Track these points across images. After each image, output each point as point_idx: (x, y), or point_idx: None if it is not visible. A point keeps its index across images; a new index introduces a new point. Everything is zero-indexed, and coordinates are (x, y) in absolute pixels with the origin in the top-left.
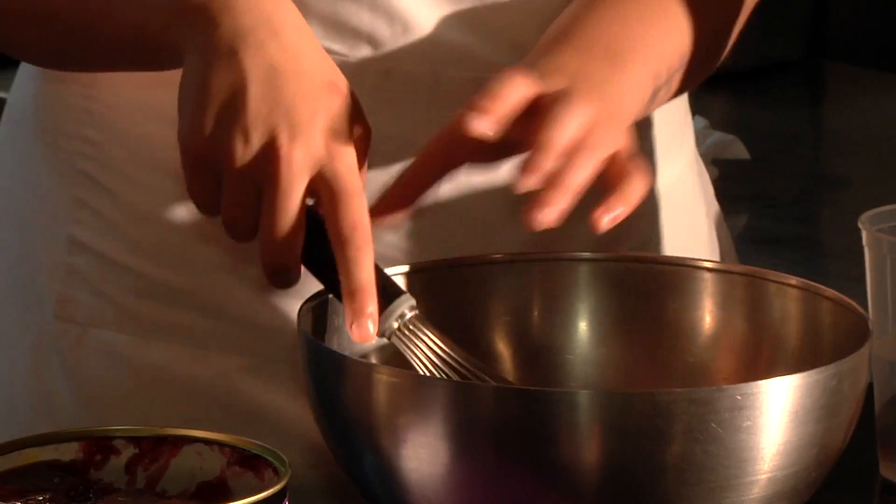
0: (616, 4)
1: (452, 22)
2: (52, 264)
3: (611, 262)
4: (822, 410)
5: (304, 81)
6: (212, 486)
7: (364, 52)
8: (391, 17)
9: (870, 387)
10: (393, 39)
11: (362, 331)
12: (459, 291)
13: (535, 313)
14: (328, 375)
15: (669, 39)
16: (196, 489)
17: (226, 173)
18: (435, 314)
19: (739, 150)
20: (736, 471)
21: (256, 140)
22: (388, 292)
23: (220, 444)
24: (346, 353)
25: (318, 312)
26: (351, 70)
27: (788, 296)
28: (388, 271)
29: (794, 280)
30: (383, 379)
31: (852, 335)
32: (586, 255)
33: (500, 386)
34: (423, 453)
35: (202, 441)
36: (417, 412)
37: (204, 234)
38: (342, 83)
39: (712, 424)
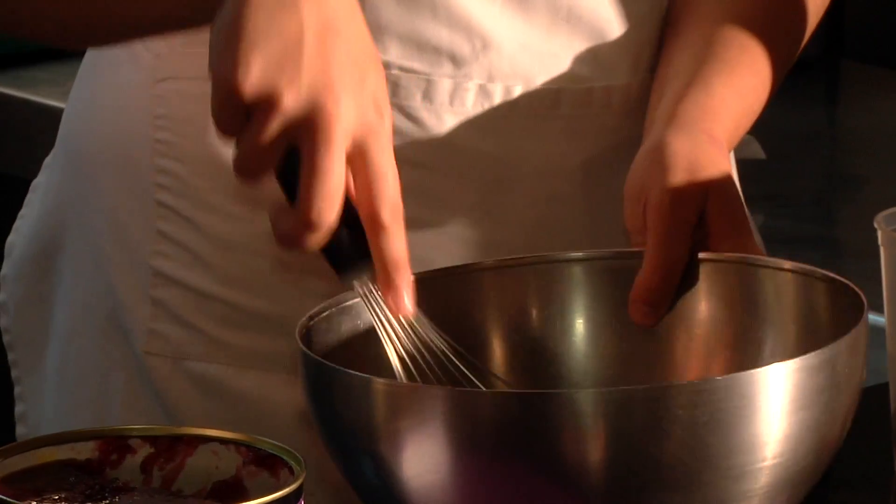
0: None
1: (530, 35)
2: (136, 298)
3: (601, 260)
4: (821, 393)
5: (357, 45)
6: (227, 486)
7: (446, 69)
8: (469, 33)
9: (885, 387)
10: (473, 56)
11: (400, 305)
12: (451, 300)
13: (531, 318)
14: (325, 389)
15: (755, 105)
16: (212, 488)
17: (265, 115)
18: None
19: (756, 150)
20: (739, 460)
21: (306, 93)
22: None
23: (236, 444)
24: (344, 370)
25: (318, 328)
26: (436, 88)
27: (781, 280)
28: None
29: (787, 264)
30: (380, 389)
31: (849, 314)
32: (577, 255)
33: (498, 392)
34: (423, 462)
35: (218, 440)
36: (416, 421)
37: (292, 261)
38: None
39: (713, 415)
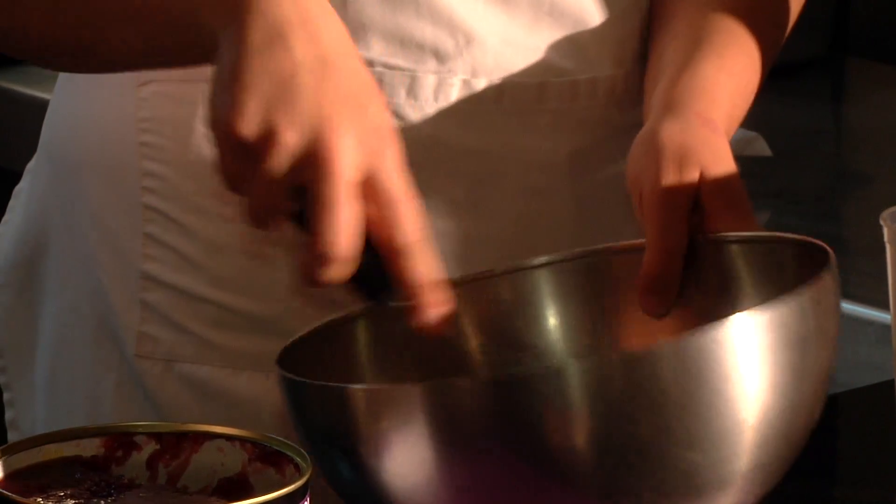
0: (700, 64)
1: (513, 30)
2: (126, 302)
3: (568, 261)
4: (792, 344)
5: (354, 78)
6: (233, 483)
7: (430, 65)
8: (452, 28)
9: (890, 384)
10: (457, 51)
11: (432, 321)
12: None
13: (512, 323)
14: (305, 405)
15: (749, 86)
16: (217, 485)
17: (267, 156)
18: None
19: (761, 147)
20: (728, 415)
21: (306, 128)
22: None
23: (242, 440)
24: (317, 382)
25: (299, 352)
26: (420, 84)
27: (753, 251)
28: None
29: (753, 234)
30: (357, 395)
31: (817, 269)
32: (548, 258)
33: (473, 380)
34: (406, 462)
35: (223, 437)
36: (395, 422)
37: (284, 263)
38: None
39: (693, 371)
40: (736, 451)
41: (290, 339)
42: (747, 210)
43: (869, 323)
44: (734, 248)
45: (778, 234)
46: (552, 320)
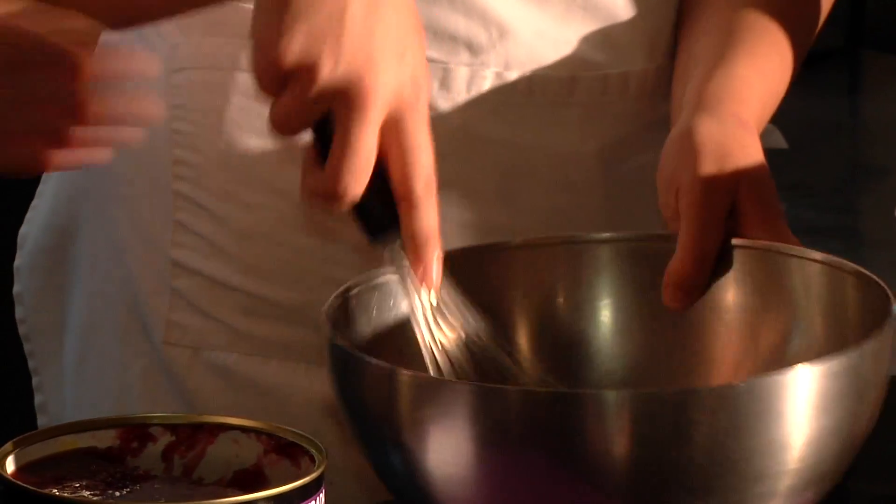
0: (732, 63)
1: (545, 23)
2: (156, 289)
3: (630, 242)
4: (847, 396)
5: (402, 15)
6: (248, 474)
7: (463, 57)
8: (486, 21)
9: None
10: (490, 44)
11: (427, 279)
12: (480, 278)
13: (558, 298)
14: (352, 379)
15: (779, 86)
16: (232, 477)
17: (303, 84)
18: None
19: (777, 140)
20: (760, 464)
21: (347, 63)
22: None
23: (257, 432)
24: (371, 359)
25: (341, 311)
26: (453, 76)
27: (810, 271)
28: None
29: (816, 255)
30: (405, 380)
31: (876, 312)
32: (605, 235)
33: (524, 389)
34: (446, 454)
35: (239, 429)
36: (441, 415)
37: (314, 251)
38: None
39: (735, 419)
40: (774, 491)
41: (337, 293)
42: (778, 214)
43: None
44: (792, 261)
45: (838, 260)
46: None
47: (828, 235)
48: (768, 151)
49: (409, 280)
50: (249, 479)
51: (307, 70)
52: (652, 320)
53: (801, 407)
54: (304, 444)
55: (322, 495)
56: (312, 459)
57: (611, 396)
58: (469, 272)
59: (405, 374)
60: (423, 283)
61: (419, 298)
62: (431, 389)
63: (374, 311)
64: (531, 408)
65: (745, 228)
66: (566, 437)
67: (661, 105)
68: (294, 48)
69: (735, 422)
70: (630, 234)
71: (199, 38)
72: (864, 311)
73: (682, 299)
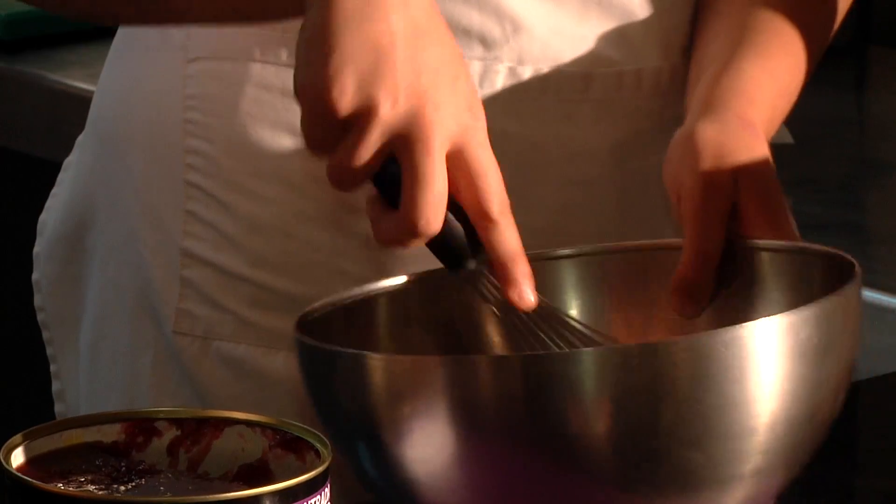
0: (744, 65)
1: (561, 19)
2: (166, 278)
3: (588, 256)
4: (813, 349)
5: (446, 47)
6: (253, 469)
7: (476, 52)
8: (500, 16)
9: None
10: (503, 39)
11: (523, 298)
12: (459, 297)
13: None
14: (320, 371)
15: (791, 87)
16: (238, 471)
17: (362, 129)
18: (436, 320)
19: (784, 135)
20: (735, 416)
21: (404, 102)
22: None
23: (262, 426)
24: (340, 348)
25: (319, 322)
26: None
27: (780, 260)
28: (388, 282)
29: (777, 244)
30: (376, 365)
31: (844, 281)
32: (577, 250)
33: (495, 356)
34: (423, 436)
35: (244, 423)
36: (413, 395)
37: (324, 244)
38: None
39: (707, 369)
40: (739, 456)
41: (306, 310)
42: (783, 214)
43: (891, 311)
44: (764, 255)
45: (807, 244)
46: (575, 312)
47: (835, 231)
48: (774, 147)
49: (492, 299)
50: (255, 474)
51: (365, 114)
52: (627, 330)
53: (769, 358)
54: (310, 439)
55: (328, 490)
56: (318, 454)
57: (586, 354)
58: (448, 292)
59: (375, 359)
60: (521, 304)
61: (513, 317)
62: (405, 369)
63: (344, 328)
64: (505, 374)
65: (745, 228)
66: (541, 398)
67: (676, 104)
68: (348, 93)
69: (705, 372)
70: (584, 250)
71: (214, 28)
72: (833, 283)
73: (689, 305)
